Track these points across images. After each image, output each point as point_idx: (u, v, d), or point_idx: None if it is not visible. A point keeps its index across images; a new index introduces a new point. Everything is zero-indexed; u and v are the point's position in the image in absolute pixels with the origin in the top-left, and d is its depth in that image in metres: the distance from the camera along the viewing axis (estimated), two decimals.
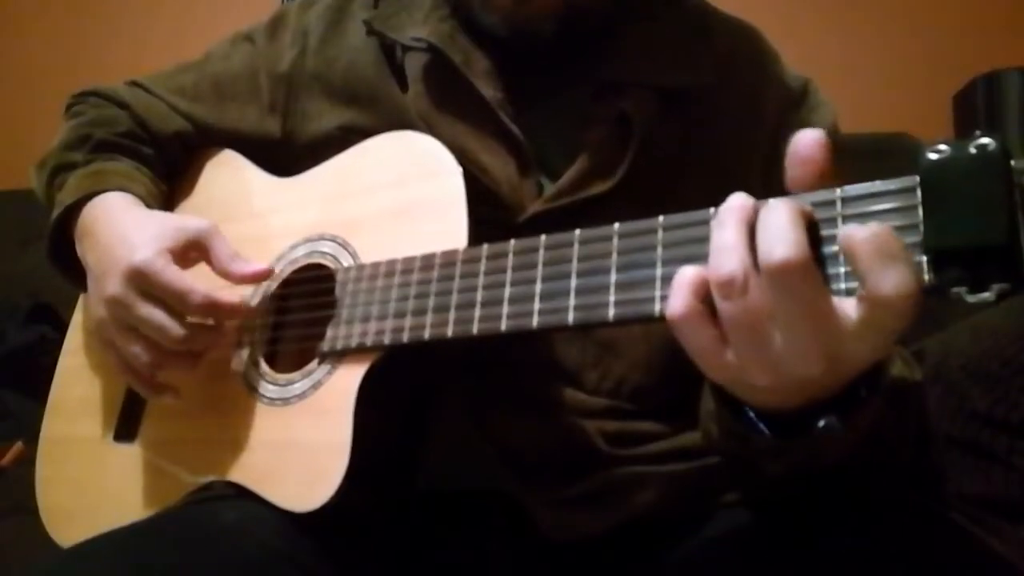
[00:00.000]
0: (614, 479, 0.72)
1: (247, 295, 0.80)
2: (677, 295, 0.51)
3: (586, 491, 0.72)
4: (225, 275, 0.76)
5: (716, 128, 0.80)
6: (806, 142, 0.51)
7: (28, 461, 0.95)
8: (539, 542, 0.72)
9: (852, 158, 0.84)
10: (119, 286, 0.74)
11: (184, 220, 0.80)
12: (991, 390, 0.87)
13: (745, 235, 0.49)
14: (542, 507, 0.71)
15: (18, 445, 1.40)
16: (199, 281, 0.74)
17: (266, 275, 0.77)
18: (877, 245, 0.45)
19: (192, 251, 0.77)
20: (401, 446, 0.75)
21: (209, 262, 0.78)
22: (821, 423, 0.55)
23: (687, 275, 0.51)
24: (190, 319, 0.74)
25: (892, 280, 0.45)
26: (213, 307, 0.73)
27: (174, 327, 0.73)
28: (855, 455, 0.61)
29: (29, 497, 0.91)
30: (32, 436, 0.95)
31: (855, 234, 0.46)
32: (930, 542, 0.64)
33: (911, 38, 2.02)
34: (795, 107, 0.83)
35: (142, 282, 0.73)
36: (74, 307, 0.99)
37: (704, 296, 0.50)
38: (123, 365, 0.78)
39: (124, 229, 0.78)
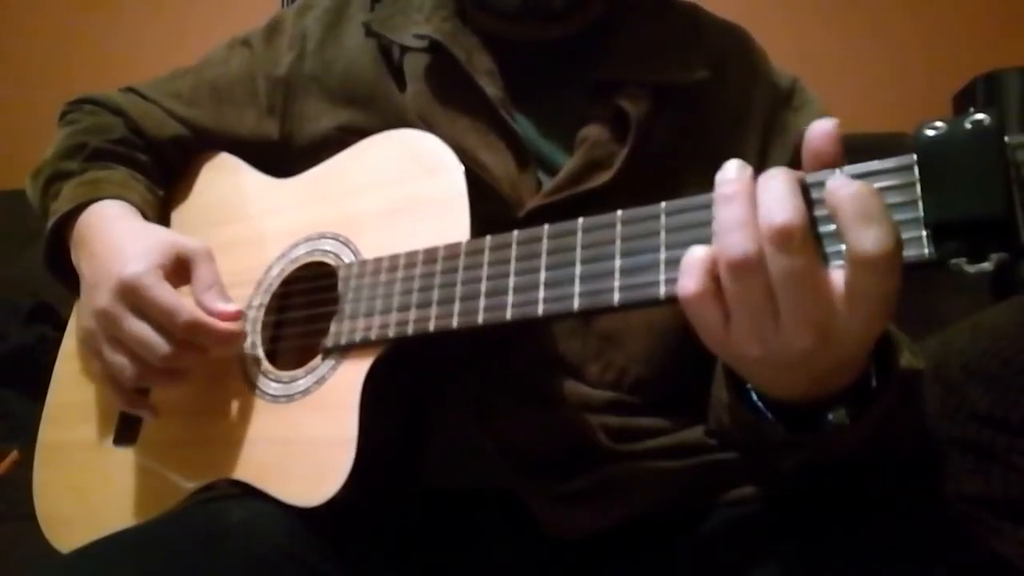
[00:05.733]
0: (614, 475, 0.72)
1: (246, 297, 0.80)
2: (690, 275, 0.51)
3: (587, 487, 0.72)
4: (198, 302, 0.75)
5: (709, 125, 0.82)
6: (818, 134, 0.51)
7: (25, 466, 0.95)
8: (539, 539, 0.72)
9: (852, 158, 0.84)
10: (109, 299, 0.74)
11: (177, 237, 0.79)
12: (991, 390, 0.87)
13: (752, 210, 0.49)
14: (542, 504, 0.71)
15: (13, 453, 1.39)
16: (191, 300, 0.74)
17: (233, 317, 0.74)
18: (859, 205, 0.46)
19: (182, 269, 0.77)
20: (404, 441, 0.75)
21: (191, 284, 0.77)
22: (830, 416, 0.56)
23: (698, 255, 0.51)
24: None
25: (871, 237, 0.46)
26: (198, 328, 0.73)
27: (160, 345, 0.72)
28: (865, 447, 0.61)
29: (27, 503, 0.90)
30: (32, 439, 0.94)
31: (839, 191, 0.47)
32: (930, 541, 0.64)
33: (911, 38, 2.02)
34: (783, 105, 0.85)
35: (132, 297, 0.73)
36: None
37: (715, 275, 0.51)
38: (108, 376, 0.78)
39: (117, 240, 0.78)
